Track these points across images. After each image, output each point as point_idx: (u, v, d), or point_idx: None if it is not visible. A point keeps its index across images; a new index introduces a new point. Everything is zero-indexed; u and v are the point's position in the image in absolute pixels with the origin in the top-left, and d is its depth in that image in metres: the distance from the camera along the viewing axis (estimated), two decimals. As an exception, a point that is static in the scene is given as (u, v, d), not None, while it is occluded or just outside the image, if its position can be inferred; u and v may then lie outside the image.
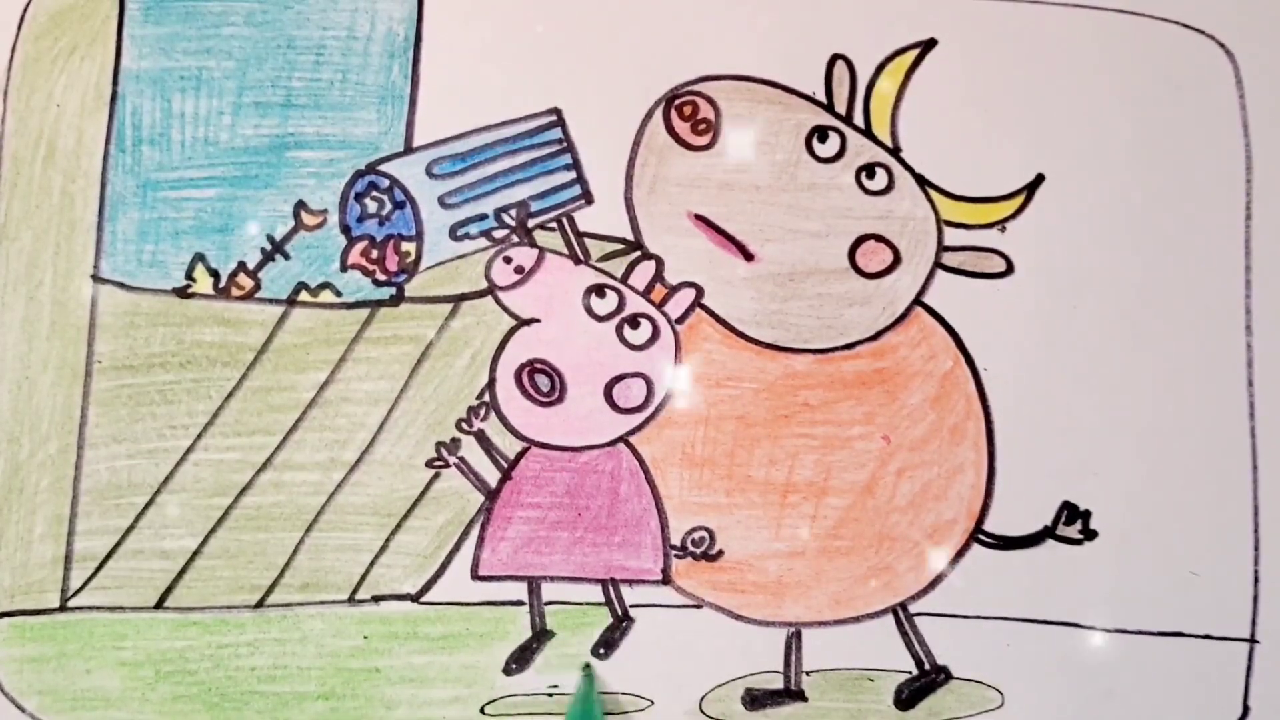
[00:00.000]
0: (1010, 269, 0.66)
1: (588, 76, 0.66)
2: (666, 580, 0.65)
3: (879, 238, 0.66)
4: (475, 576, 0.65)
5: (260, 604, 0.65)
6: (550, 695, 0.65)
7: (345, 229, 0.65)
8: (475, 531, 0.65)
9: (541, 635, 0.65)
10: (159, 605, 0.65)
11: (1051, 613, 0.66)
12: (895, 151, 0.66)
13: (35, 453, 0.64)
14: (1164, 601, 0.65)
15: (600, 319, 0.65)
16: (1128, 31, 0.67)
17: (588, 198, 0.66)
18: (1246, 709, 0.65)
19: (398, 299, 0.65)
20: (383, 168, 0.66)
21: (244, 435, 0.65)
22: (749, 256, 0.66)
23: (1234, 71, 0.67)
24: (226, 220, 0.65)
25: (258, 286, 0.65)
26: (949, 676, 0.66)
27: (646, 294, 0.66)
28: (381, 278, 0.65)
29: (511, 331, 0.65)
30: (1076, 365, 0.66)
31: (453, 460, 0.65)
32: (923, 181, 0.66)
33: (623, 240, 0.66)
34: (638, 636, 0.65)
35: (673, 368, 0.66)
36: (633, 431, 0.65)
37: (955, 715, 0.66)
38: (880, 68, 0.67)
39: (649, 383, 0.65)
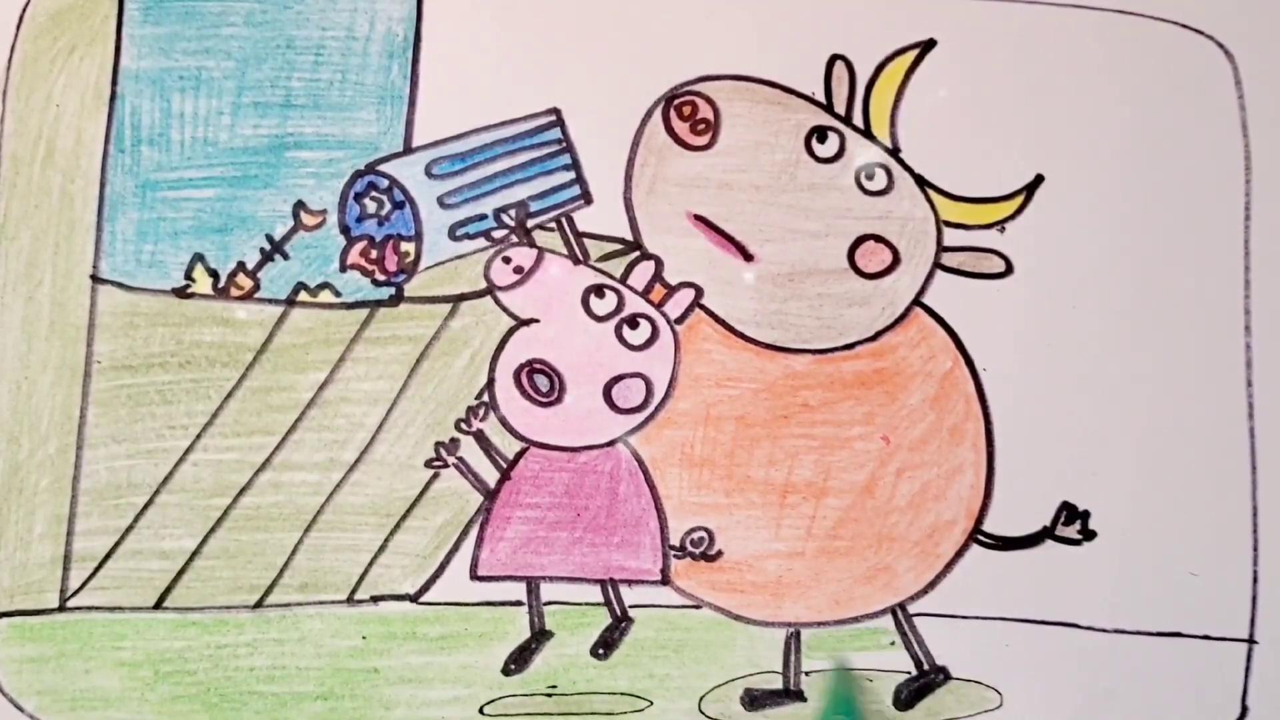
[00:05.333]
0: (1010, 269, 0.66)
1: (587, 76, 0.66)
2: (666, 580, 0.65)
3: (878, 238, 0.66)
4: (474, 577, 0.65)
5: (259, 604, 0.65)
6: (549, 695, 0.65)
7: (344, 229, 0.65)
8: (474, 532, 0.65)
9: (540, 635, 0.65)
10: (158, 605, 0.65)
11: (1051, 613, 0.66)
12: (895, 152, 0.66)
13: (34, 453, 0.64)
14: (1163, 602, 0.65)
15: (599, 319, 0.65)
16: (1127, 31, 0.67)
17: (587, 198, 0.66)
18: (1245, 709, 0.65)
19: (397, 299, 0.65)
20: (382, 168, 0.66)
21: (243, 435, 0.65)
22: (748, 257, 0.66)
23: (1233, 72, 0.67)
24: (226, 220, 0.65)
25: (257, 287, 0.65)
26: (948, 677, 0.66)
27: (646, 294, 0.66)
28: (381, 278, 0.65)
29: (511, 332, 0.65)
30: (1076, 365, 0.66)
31: (452, 460, 0.65)
32: (922, 182, 0.66)
33: (622, 240, 0.66)
34: (637, 637, 0.65)
35: (672, 368, 0.66)
36: (632, 432, 0.65)
37: (955, 715, 0.66)
38: (880, 68, 0.67)
39: (648, 383, 0.65)
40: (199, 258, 0.65)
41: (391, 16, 0.66)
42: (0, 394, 0.64)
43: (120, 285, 0.65)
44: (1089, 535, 0.66)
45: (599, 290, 0.66)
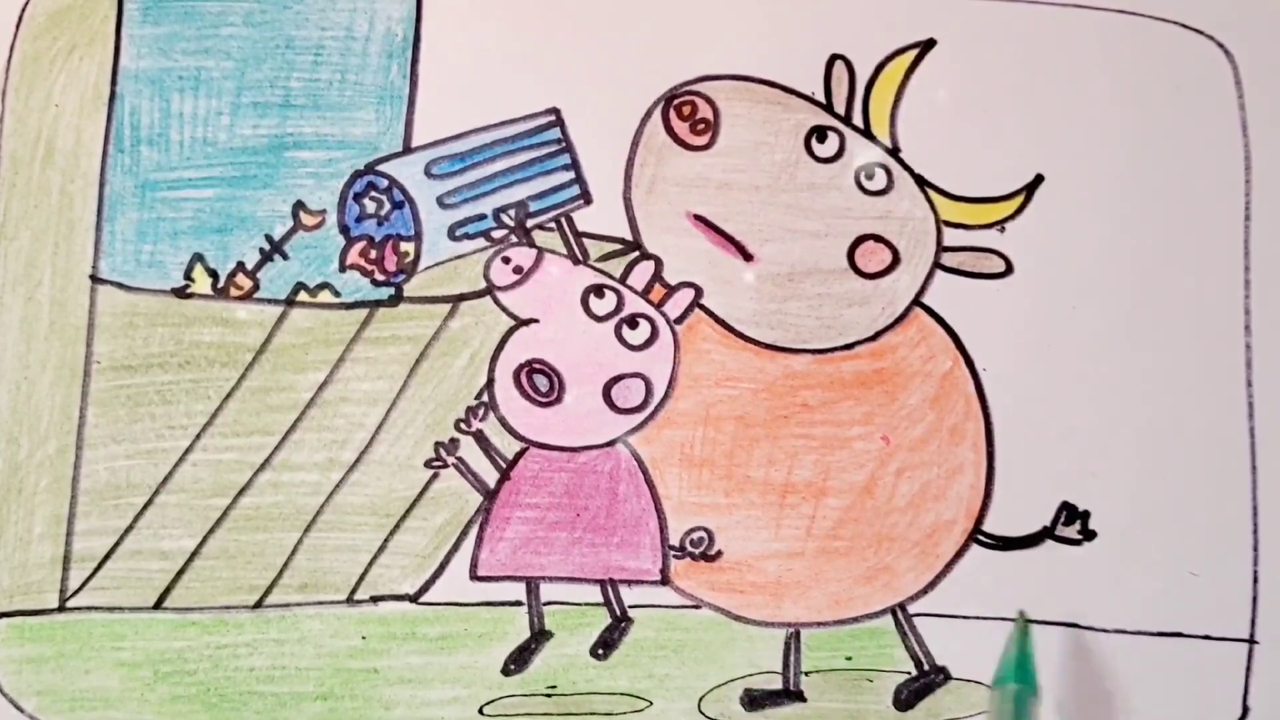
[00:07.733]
0: (1009, 269, 0.66)
1: (587, 76, 0.66)
2: (665, 580, 0.65)
3: (878, 238, 0.66)
4: (474, 577, 0.65)
5: (259, 604, 0.65)
6: (549, 695, 0.65)
7: (344, 229, 0.65)
8: (474, 532, 0.65)
9: (540, 636, 0.65)
10: (158, 605, 0.65)
11: (1051, 613, 0.65)
12: (894, 152, 0.66)
13: (34, 453, 0.64)
14: (1163, 602, 0.65)
15: (599, 319, 0.65)
16: (1127, 31, 0.67)
17: (586, 198, 0.66)
18: (1246, 709, 0.65)
19: (396, 299, 0.65)
20: (381, 168, 0.66)
21: (242, 435, 0.65)
22: (748, 257, 0.66)
23: (1233, 72, 0.67)
24: (225, 220, 0.65)
25: (256, 287, 0.65)
26: (948, 677, 0.66)
27: (645, 294, 0.66)
28: (380, 278, 0.65)
29: (510, 332, 0.65)
30: (1076, 365, 0.66)
31: (451, 460, 0.65)
32: (922, 182, 0.66)
33: (621, 240, 0.66)
34: (637, 637, 0.65)
35: (672, 368, 0.66)
36: (631, 432, 0.65)
37: (955, 715, 0.66)
38: (880, 68, 0.67)
39: (648, 383, 0.65)
40: (198, 258, 0.65)
41: (391, 16, 0.66)
42: (0, 394, 0.64)
43: (120, 285, 0.65)
44: (1089, 535, 0.66)
45: (598, 290, 0.66)
